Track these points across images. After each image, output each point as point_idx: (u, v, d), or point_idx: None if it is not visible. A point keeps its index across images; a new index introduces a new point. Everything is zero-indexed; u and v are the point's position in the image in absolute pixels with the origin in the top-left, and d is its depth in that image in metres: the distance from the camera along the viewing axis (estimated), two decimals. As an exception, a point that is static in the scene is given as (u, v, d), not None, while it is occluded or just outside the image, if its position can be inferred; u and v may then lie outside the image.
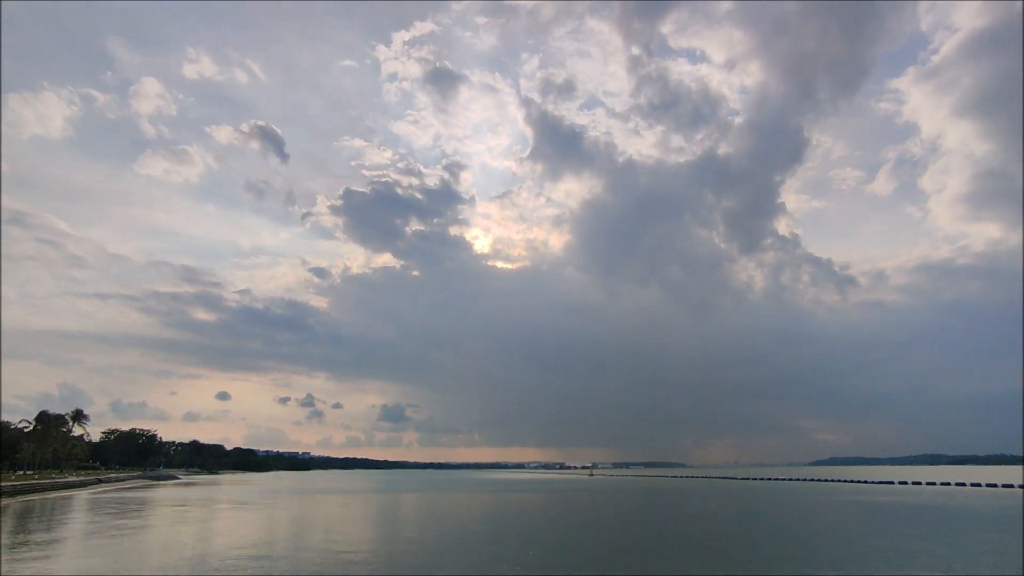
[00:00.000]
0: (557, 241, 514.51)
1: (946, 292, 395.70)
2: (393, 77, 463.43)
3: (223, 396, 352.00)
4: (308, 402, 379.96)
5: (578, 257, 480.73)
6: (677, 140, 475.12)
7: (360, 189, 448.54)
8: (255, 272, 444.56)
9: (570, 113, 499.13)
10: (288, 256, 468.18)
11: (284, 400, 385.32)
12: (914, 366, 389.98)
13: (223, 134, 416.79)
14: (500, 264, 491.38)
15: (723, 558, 20.41)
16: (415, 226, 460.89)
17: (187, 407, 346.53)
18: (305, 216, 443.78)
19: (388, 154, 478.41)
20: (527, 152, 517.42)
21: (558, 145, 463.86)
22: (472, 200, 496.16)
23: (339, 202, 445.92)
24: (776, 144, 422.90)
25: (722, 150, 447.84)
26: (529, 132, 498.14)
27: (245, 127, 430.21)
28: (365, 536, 27.93)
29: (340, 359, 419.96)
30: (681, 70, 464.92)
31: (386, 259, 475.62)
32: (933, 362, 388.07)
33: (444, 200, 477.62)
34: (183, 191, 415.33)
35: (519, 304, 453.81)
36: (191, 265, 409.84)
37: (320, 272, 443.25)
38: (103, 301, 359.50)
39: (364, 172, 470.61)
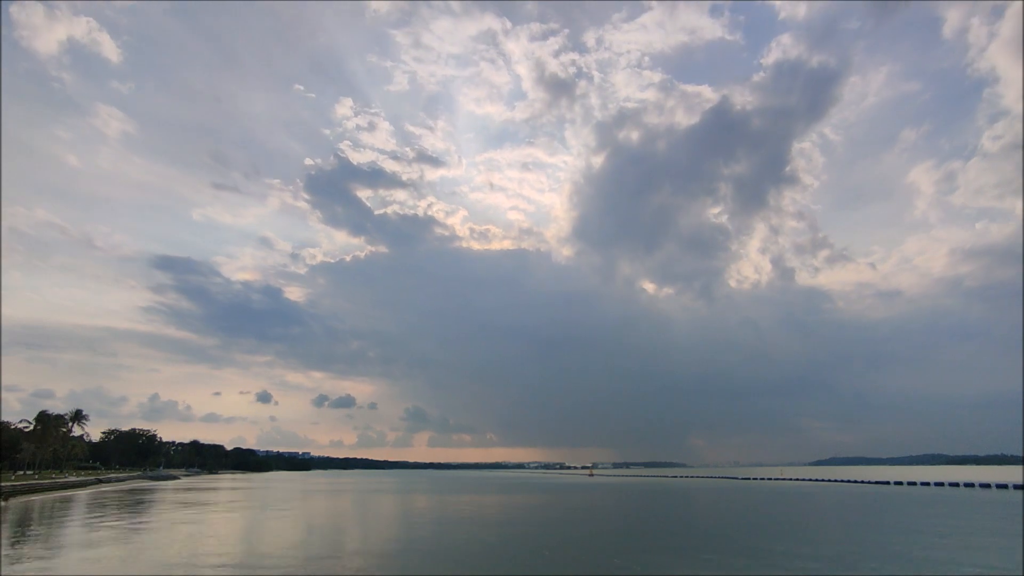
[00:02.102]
0: (549, 216, 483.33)
1: (967, 281, 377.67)
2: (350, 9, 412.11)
3: (260, 397, 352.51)
4: (345, 402, 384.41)
5: (571, 238, 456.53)
6: (687, 88, 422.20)
7: (321, 161, 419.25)
8: (233, 260, 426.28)
9: (562, 47, 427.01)
10: (256, 239, 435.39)
11: (320, 401, 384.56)
12: (918, 365, 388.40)
13: (154, 88, 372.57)
14: (487, 245, 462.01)
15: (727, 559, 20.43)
16: (390, 207, 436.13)
17: (189, 407, 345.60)
18: (267, 194, 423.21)
19: (349, 103, 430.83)
20: (518, 102, 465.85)
21: (550, 92, 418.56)
22: (457, 159, 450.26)
23: (301, 181, 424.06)
24: (796, 95, 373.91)
25: (737, 98, 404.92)
26: (522, 74, 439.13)
27: (186, 78, 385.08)
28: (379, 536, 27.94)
29: (333, 355, 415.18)
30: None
31: (362, 243, 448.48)
32: (936, 361, 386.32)
33: (421, 168, 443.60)
34: (129, 161, 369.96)
35: (511, 293, 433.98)
36: (165, 253, 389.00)
37: (297, 259, 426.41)
38: (81, 293, 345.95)
39: (326, 131, 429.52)
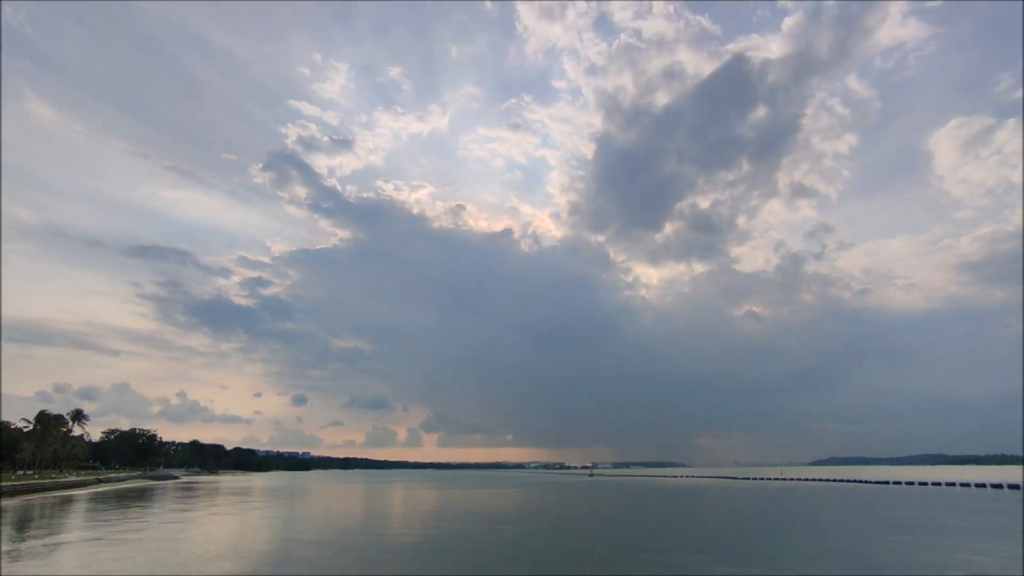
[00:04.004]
0: (537, 189, 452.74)
1: (988, 268, 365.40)
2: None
3: (257, 396, 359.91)
4: (379, 403, 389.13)
5: (563, 216, 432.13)
6: (691, 16, 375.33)
7: (277, 131, 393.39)
8: (205, 250, 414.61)
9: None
10: (220, 227, 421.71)
11: (350, 404, 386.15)
12: (923, 362, 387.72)
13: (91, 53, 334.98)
14: (469, 224, 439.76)
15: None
16: (350, 187, 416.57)
17: (187, 407, 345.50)
18: (223, 174, 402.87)
19: (302, 44, 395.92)
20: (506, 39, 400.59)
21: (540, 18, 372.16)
22: (439, 111, 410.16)
23: (259, 163, 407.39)
24: (816, 37, 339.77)
25: (754, 39, 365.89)
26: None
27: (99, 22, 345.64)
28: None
29: (327, 355, 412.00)
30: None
31: (330, 227, 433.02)
32: (942, 358, 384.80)
33: (389, 128, 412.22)
34: (82, 141, 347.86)
35: (500, 282, 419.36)
36: (134, 243, 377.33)
37: (267, 247, 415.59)
38: (54, 285, 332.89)
39: (278, 89, 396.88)
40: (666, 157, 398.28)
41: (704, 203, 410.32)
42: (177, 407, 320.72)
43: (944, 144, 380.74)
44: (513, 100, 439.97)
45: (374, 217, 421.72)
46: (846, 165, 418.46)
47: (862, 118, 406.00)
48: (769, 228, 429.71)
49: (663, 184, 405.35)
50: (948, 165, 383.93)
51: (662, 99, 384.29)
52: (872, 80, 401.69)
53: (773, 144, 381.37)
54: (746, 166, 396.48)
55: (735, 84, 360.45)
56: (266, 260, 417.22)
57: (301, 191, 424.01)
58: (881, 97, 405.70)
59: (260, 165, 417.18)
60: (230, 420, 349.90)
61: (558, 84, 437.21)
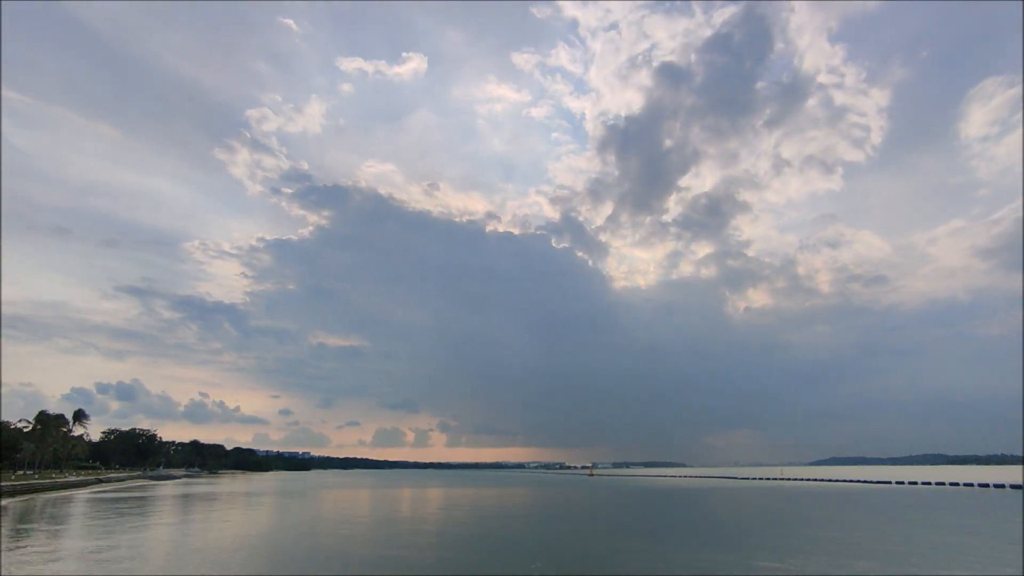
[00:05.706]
0: (530, 163, 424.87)
1: (1005, 254, 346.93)
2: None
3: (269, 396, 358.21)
4: (401, 404, 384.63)
5: (560, 198, 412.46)
6: None
7: (232, 96, 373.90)
8: (185, 238, 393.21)
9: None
10: (197, 215, 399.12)
11: (361, 405, 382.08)
12: (916, 364, 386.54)
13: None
14: (442, 203, 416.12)
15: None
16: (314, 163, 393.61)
17: (194, 405, 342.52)
18: (194, 156, 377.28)
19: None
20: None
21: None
22: (420, 59, 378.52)
23: (225, 147, 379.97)
24: None
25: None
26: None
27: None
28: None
29: (323, 355, 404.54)
30: None
31: (301, 212, 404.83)
32: (942, 359, 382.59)
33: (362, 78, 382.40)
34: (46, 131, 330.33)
35: (494, 276, 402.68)
36: (119, 236, 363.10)
37: (239, 238, 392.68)
38: (34, 276, 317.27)
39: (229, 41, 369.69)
40: (671, 120, 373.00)
41: (710, 177, 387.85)
42: (199, 407, 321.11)
43: (972, 109, 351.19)
44: (496, 43, 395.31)
45: (349, 201, 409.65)
46: (874, 125, 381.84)
47: (889, 73, 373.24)
48: (782, 207, 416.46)
49: (666, 154, 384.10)
50: (974, 136, 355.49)
51: (665, 49, 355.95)
52: (900, 31, 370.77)
53: (790, 105, 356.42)
54: (760, 130, 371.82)
55: (750, 30, 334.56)
56: (243, 252, 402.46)
57: (265, 173, 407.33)
58: (914, 50, 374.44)
59: (224, 147, 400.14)
60: (246, 421, 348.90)
61: (541, 15, 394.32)
